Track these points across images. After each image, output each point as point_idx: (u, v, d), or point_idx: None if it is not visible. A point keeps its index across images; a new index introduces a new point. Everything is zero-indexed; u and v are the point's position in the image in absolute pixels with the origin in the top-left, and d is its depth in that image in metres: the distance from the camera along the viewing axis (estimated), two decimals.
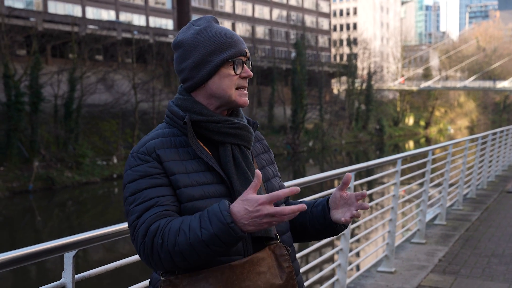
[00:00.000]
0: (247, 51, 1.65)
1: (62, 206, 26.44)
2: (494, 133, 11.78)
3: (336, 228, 1.71)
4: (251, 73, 1.64)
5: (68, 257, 1.94)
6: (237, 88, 1.62)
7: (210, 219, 1.38)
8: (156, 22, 51.78)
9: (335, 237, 4.34)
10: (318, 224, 1.72)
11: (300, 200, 2.00)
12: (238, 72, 1.61)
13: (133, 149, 1.59)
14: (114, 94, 38.59)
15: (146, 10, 51.41)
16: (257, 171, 1.37)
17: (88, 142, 33.07)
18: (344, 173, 4.28)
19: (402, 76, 73.11)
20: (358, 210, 1.61)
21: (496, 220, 7.97)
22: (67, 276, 1.93)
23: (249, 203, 1.36)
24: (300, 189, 1.37)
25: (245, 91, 1.64)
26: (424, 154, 7.03)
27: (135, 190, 1.51)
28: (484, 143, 10.82)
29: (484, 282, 5.10)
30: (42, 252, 1.81)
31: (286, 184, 3.19)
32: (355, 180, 4.78)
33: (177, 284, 1.48)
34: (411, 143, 58.83)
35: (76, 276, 1.97)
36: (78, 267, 1.97)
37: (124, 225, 2.04)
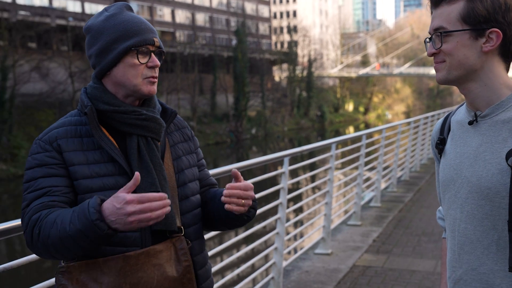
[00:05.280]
0: (156, 40, 1.60)
1: None
2: (426, 118, 12.23)
3: (239, 218, 1.67)
4: (158, 63, 1.60)
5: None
6: (144, 78, 1.58)
7: (79, 214, 1.37)
8: (92, 8, 50.24)
9: (271, 220, 4.42)
10: (222, 213, 1.69)
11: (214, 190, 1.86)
12: (143, 62, 1.57)
13: (39, 135, 1.58)
14: (50, 83, 37.24)
15: None
16: (136, 173, 1.36)
17: (23, 133, 31.84)
18: (278, 158, 4.36)
19: (342, 63, 74.34)
20: (245, 201, 1.57)
21: (427, 200, 8.32)
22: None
23: (117, 200, 1.34)
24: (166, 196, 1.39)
25: (154, 80, 1.60)
26: (358, 139, 7.22)
27: (30, 178, 1.51)
28: (417, 127, 11.22)
29: (414, 260, 5.33)
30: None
31: (225, 168, 3.19)
32: (291, 164, 4.86)
33: (72, 271, 1.48)
34: (351, 129, 60.08)
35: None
36: None
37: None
